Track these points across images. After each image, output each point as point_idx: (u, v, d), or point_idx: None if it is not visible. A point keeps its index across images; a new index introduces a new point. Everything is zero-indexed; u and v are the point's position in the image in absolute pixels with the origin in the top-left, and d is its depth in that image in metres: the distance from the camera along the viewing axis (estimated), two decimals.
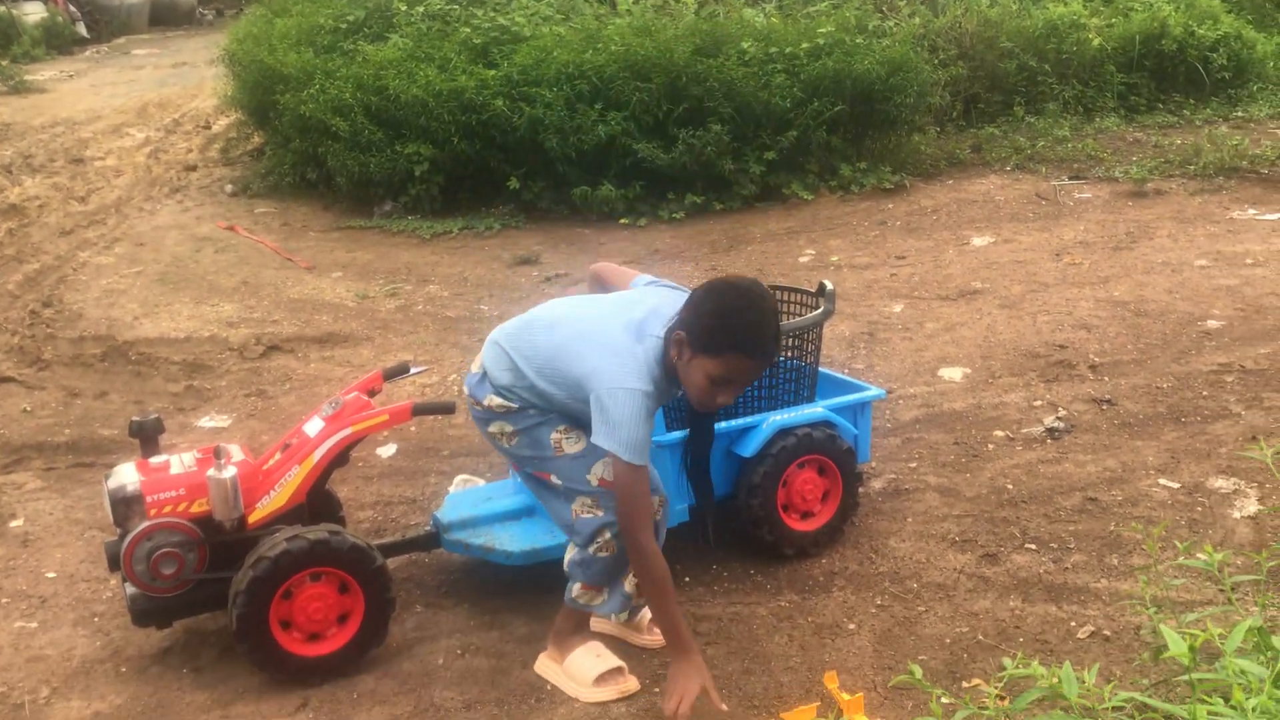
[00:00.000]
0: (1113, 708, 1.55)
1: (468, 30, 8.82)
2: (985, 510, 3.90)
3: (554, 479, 2.94)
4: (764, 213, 8.06)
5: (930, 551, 3.65)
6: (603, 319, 2.86)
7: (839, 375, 4.03)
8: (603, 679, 2.97)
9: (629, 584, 3.01)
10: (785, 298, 3.93)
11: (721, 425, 3.56)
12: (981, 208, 7.74)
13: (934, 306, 5.92)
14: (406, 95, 8.22)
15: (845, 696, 2.80)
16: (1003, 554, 3.61)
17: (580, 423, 2.87)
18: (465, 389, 3.05)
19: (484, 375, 2.97)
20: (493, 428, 2.98)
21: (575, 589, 3.01)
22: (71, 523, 4.03)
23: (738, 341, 2.63)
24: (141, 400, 5.19)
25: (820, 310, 3.71)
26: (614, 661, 3.02)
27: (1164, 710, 1.55)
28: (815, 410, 3.63)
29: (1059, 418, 4.56)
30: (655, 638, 3.18)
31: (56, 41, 19.22)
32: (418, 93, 8.18)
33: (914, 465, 4.27)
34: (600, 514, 2.90)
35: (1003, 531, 3.74)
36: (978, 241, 7.02)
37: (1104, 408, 4.64)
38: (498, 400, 2.92)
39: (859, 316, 5.82)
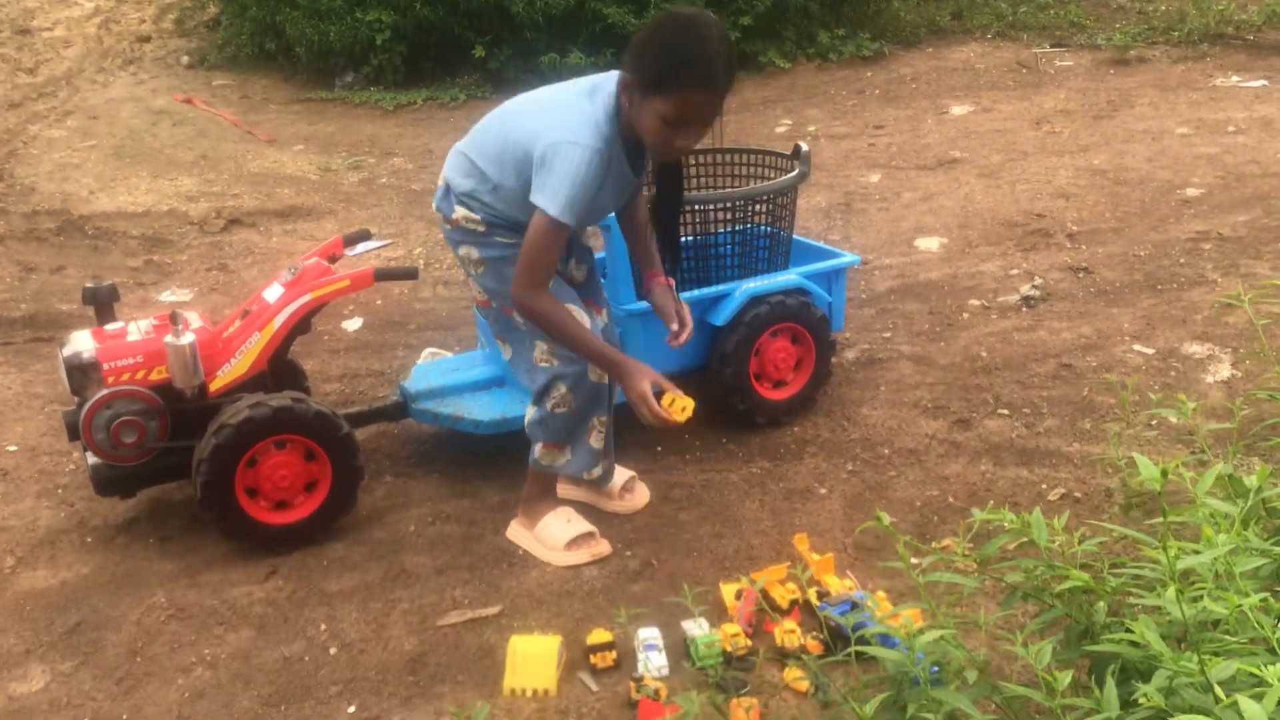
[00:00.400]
0: (1082, 550, 1.53)
1: None
2: (958, 378, 3.87)
3: (516, 317, 2.81)
4: (739, 81, 7.85)
5: (902, 418, 3.63)
6: (554, 89, 2.73)
7: (813, 243, 3.95)
8: (574, 543, 2.95)
9: (594, 439, 2.97)
10: (759, 160, 3.82)
11: (694, 293, 3.50)
12: (961, 76, 7.58)
13: (911, 176, 5.82)
14: None
15: (815, 557, 2.80)
16: (975, 420, 3.59)
17: None
18: (434, 207, 2.91)
19: (448, 187, 2.83)
20: (462, 250, 2.85)
21: (538, 450, 2.97)
22: (30, 396, 3.95)
23: (687, 75, 2.42)
24: (99, 275, 5.06)
25: (795, 173, 3.61)
26: (585, 526, 3.00)
27: (1136, 538, 1.53)
28: (789, 277, 3.56)
29: (1035, 286, 4.52)
30: (625, 503, 3.18)
31: None
32: None
33: (888, 335, 4.23)
34: (555, 363, 2.83)
35: (975, 398, 3.73)
36: (957, 110, 6.88)
37: (1080, 276, 4.60)
38: (463, 212, 2.78)
39: (835, 187, 5.72)
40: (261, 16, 8.69)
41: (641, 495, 3.23)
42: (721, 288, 3.51)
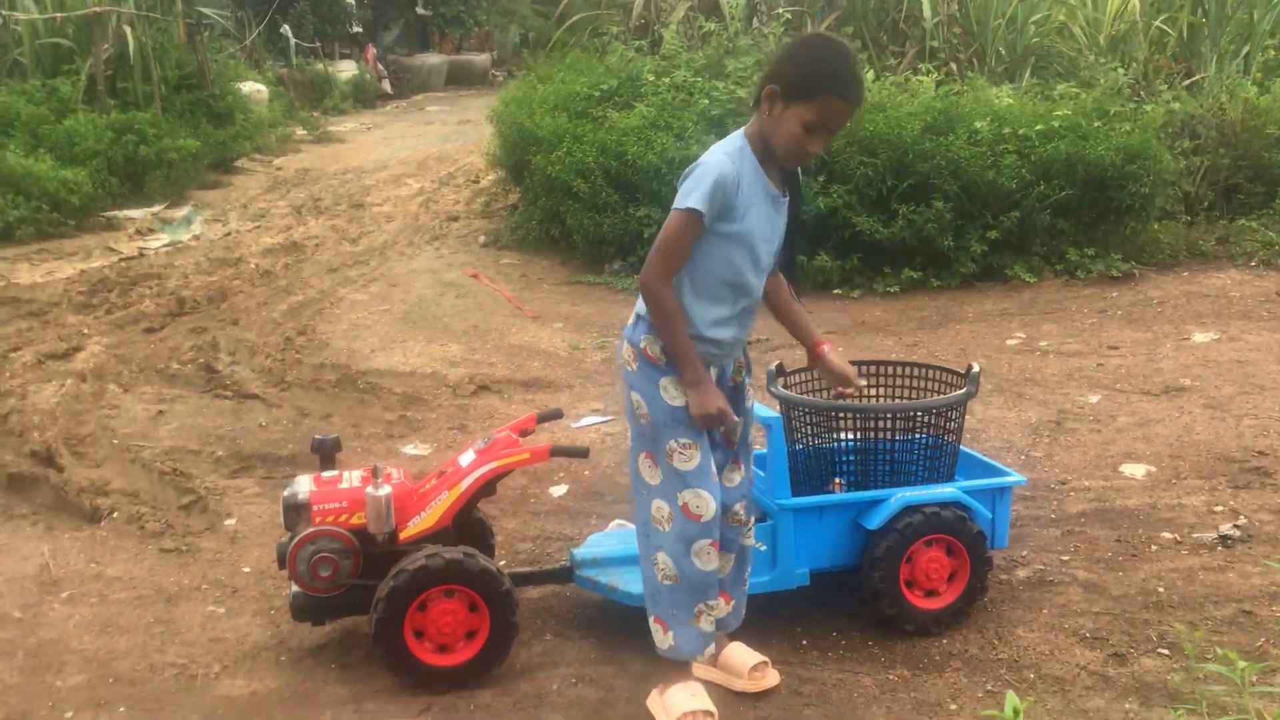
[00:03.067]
0: None
1: (706, 101, 9.22)
2: (1127, 610, 3.79)
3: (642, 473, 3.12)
4: (982, 292, 7.98)
5: (1056, 644, 3.60)
6: None
7: (984, 458, 4.03)
8: (687, 717, 3.10)
9: (704, 622, 3.14)
10: (932, 376, 3.98)
11: (849, 496, 3.69)
12: (1213, 302, 7.36)
13: (1133, 400, 5.72)
14: (643, 161, 8.69)
15: None
16: (1132, 655, 3.51)
17: None
18: (624, 338, 3.18)
19: (637, 318, 3.13)
20: (634, 396, 3.11)
21: (651, 625, 3.18)
22: (275, 526, 4.56)
23: (829, 84, 2.82)
24: (359, 424, 5.77)
25: (963, 391, 3.75)
26: (706, 704, 3.14)
27: None
28: (946, 490, 3.67)
29: (1237, 525, 4.34)
30: (752, 683, 3.32)
31: (362, 96, 21.25)
32: (653, 159, 8.62)
33: (1066, 558, 4.19)
34: (666, 528, 3.08)
35: (1139, 633, 3.63)
36: (1199, 338, 6.69)
37: None
38: (648, 339, 3.05)
39: (1050, 404, 5.71)
40: (549, 206, 9.64)
41: (771, 678, 3.37)
42: (878, 492, 3.66)
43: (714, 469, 3.13)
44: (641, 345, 3.10)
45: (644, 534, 3.18)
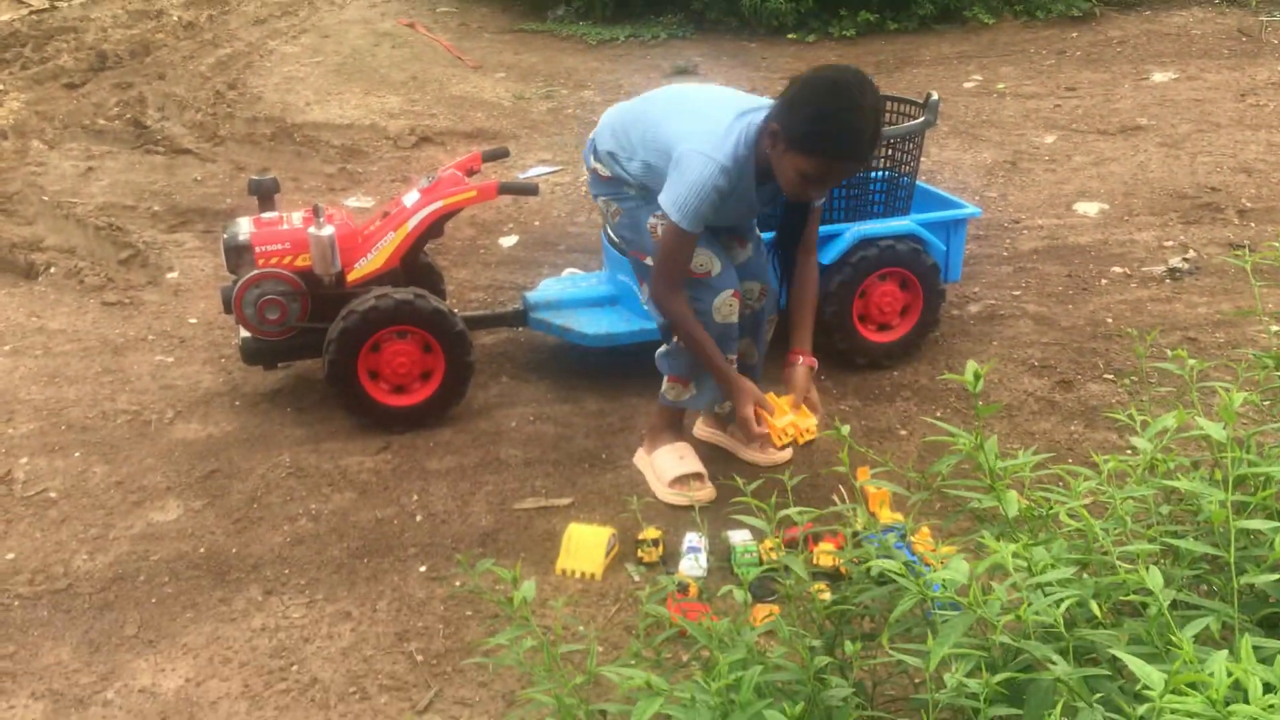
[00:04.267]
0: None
1: None
2: (1075, 340, 3.84)
3: (648, 260, 2.96)
4: (939, 35, 7.75)
5: (1006, 374, 3.65)
6: (714, 95, 2.90)
7: (940, 192, 3.97)
8: (679, 481, 3.05)
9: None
10: (889, 106, 3.87)
11: None
12: (1173, 41, 7.21)
13: (1088, 140, 5.66)
14: None
15: (873, 488, 2.90)
16: (1079, 382, 3.58)
17: None
18: (584, 157, 3.13)
19: (594, 144, 3.03)
20: (600, 200, 3.06)
21: (665, 384, 3.09)
22: (219, 278, 4.45)
23: (832, 145, 2.55)
24: (298, 178, 5.58)
25: (920, 120, 3.65)
26: (695, 466, 3.08)
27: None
28: (901, 223, 3.63)
29: (1186, 259, 4.38)
30: (761, 454, 3.23)
31: None
32: None
33: (1018, 293, 4.21)
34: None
35: (1086, 361, 3.70)
36: (1158, 77, 6.58)
37: (1238, 253, 4.41)
38: (601, 166, 2.99)
39: (1006, 145, 5.64)
40: None
41: (784, 452, 3.22)
42: (832, 227, 3.61)
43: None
44: (593, 165, 3.02)
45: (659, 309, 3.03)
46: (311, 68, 7.50)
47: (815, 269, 3.05)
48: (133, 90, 6.85)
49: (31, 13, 8.86)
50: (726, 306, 2.92)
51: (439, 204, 3.42)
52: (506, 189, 3.45)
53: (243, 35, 8.25)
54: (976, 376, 1.49)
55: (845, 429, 1.79)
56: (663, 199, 2.73)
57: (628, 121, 2.93)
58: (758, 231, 3.16)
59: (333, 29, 8.52)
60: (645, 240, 2.95)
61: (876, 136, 2.60)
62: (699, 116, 2.78)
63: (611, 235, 3.12)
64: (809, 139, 2.56)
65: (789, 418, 2.84)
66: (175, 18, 8.73)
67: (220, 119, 6.37)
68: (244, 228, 3.37)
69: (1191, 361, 2.00)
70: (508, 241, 4.88)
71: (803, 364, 2.96)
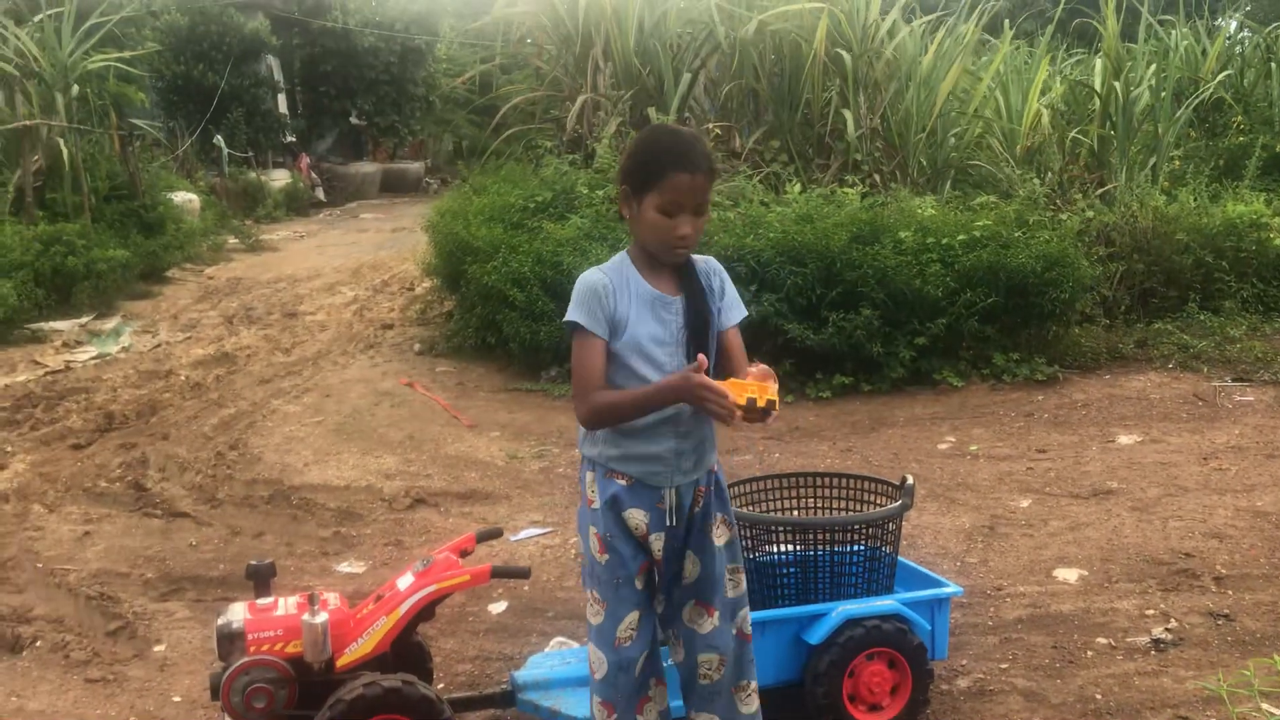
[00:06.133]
0: None
1: None
2: (1067, 719, 3.82)
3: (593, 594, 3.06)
4: (912, 396, 8.13)
5: None
6: None
7: (920, 568, 4.08)
8: None
9: None
10: (868, 487, 4.05)
11: (791, 610, 3.70)
12: (1135, 405, 7.58)
13: (1063, 504, 5.84)
14: (579, 271, 8.77)
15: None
16: None
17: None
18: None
19: (581, 456, 3.14)
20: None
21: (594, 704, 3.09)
22: (206, 652, 4.44)
23: (666, 161, 2.82)
24: (292, 542, 5.67)
25: (898, 504, 3.82)
26: None
27: None
28: (886, 603, 3.71)
29: (1168, 628, 4.43)
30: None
31: (296, 204, 21.29)
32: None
33: (1005, 666, 4.22)
34: (594, 680, 3.08)
35: None
36: (1124, 440, 6.88)
37: (1220, 623, 4.47)
38: (590, 477, 3.07)
39: (983, 509, 5.80)
40: (486, 314, 9.69)
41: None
42: (818, 606, 3.68)
43: (626, 629, 3.02)
44: (584, 487, 3.12)
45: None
46: (312, 427, 7.78)
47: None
48: (136, 451, 7.08)
49: (47, 373, 9.27)
50: (598, 710, 3.06)
51: (432, 588, 3.50)
52: (499, 573, 3.55)
53: (247, 395, 8.61)
54: None
55: None
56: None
57: None
58: (730, 599, 3.12)
59: (335, 388, 8.89)
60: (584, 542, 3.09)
61: (704, 148, 2.88)
62: None
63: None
64: (641, 168, 2.86)
65: (747, 383, 2.76)
66: (184, 377, 9.14)
67: (219, 481, 6.54)
68: (238, 614, 3.42)
69: None
70: (497, 608, 4.92)
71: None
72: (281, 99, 23.85)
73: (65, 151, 12.67)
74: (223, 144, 20.83)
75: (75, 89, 13.59)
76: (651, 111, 11.86)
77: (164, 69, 20.74)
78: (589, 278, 2.94)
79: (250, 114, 22.14)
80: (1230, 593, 4.74)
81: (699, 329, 2.99)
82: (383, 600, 3.54)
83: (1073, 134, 11.94)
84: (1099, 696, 3.97)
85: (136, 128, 15.63)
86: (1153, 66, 12.63)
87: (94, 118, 14.24)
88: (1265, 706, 3.83)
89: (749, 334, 8.16)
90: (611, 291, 2.90)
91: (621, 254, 3.02)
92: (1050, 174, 11.24)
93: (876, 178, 10.99)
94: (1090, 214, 9.94)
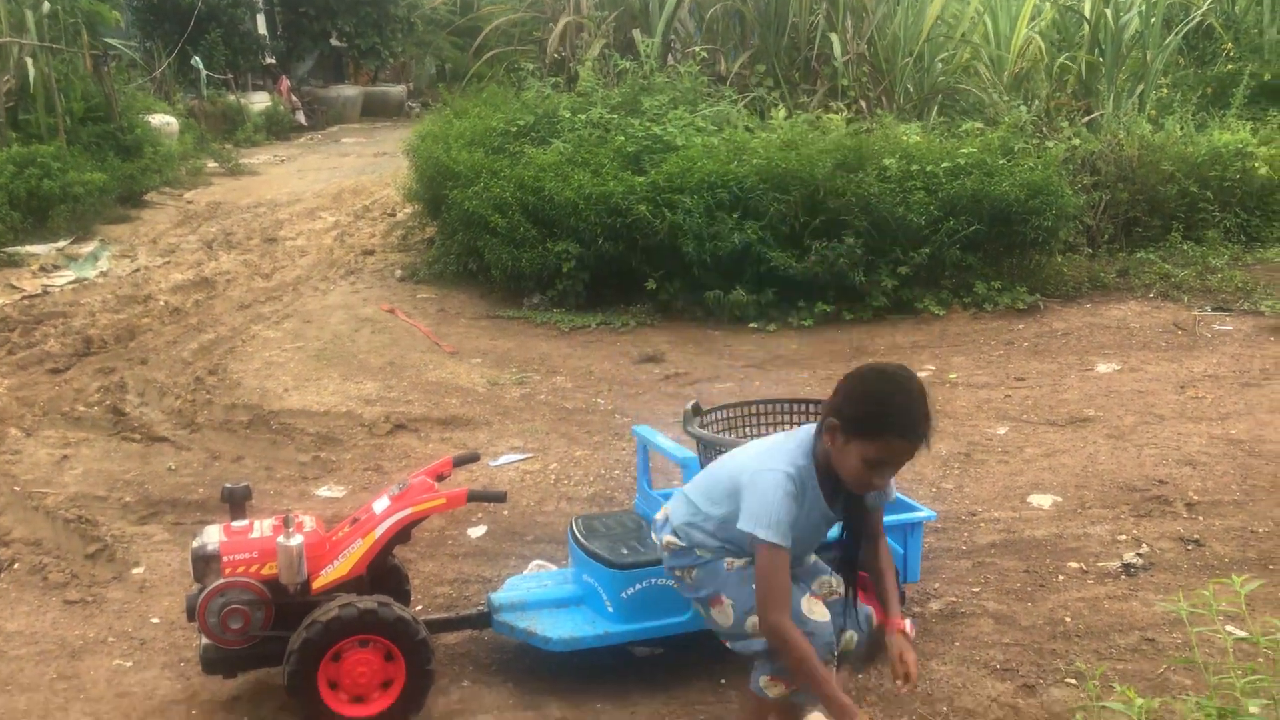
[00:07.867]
0: None
1: (622, 138, 9.30)
2: (1036, 641, 3.88)
3: (725, 599, 2.99)
4: (893, 325, 8.13)
5: (969, 677, 3.67)
6: (768, 438, 3.10)
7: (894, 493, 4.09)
8: None
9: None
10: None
11: None
12: (1114, 334, 7.60)
13: (1039, 431, 5.87)
14: (560, 197, 8.71)
15: None
16: (1041, 686, 3.60)
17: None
18: (652, 532, 3.25)
19: (666, 519, 3.14)
20: (676, 573, 3.11)
21: (763, 680, 3.01)
22: (184, 574, 4.45)
23: (891, 424, 2.72)
24: (271, 466, 5.67)
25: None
26: None
27: None
28: None
29: (1139, 554, 4.48)
30: None
31: (276, 128, 20.91)
32: (570, 195, 8.65)
33: (977, 590, 4.28)
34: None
35: (1047, 664, 3.73)
36: (1102, 368, 6.91)
37: (1189, 548, 4.53)
38: (669, 539, 3.07)
39: (960, 436, 5.84)
40: (467, 240, 9.61)
41: None
42: None
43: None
44: (664, 540, 3.11)
45: (743, 639, 3.05)
46: (292, 353, 7.74)
47: (885, 541, 3.15)
48: (114, 375, 7.04)
49: (23, 298, 9.18)
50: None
51: (407, 511, 3.51)
52: (475, 497, 3.56)
53: (227, 320, 8.55)
54: None
55: None
56: (743, 523, 2.81)
57: (698, 489, 3.08)
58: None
59: (315, 314, 8.84)
60: (722, 578, 3.00)
61: (928, 416, 2.76)
62: (756, 448, 3.02)
63: (687, 595, 3.14)
64: (868, 420, 2.73)
65: None
66: (162, 302, 9.05)
67: (199, 406, 6.52)
68: (213, 537, 3.43)
69: (1140, 702, 2.06)
70: (476, 532, 4.94)
71: (899, 632, 3.01)
72: (260, 19, 23.34)
73: (34, 70, 12.40)
74: (201, 65, 20.41)
75: (46, 6, 13.25)
76: (636, 34, 11.69)
77: None
78: (781, 484, 2.81)
79: (229, 35, 21.65)
80: (1201, 518, 4.80)
81: (854, 531, 3.06)
82: (358, 523, 3.55)
83: (1060, 60, 11.81)
84: (1068, 619, 4.03)
85: (111, 47, 15.31)
86: None
87: (65, 36, 13.92)
88: (1228, 628, 3.89)
89: (733, 262, 8.04)
90: (799, 503, 2.85)
91: (808, 454, 2.89)
92: (1037, 101, 11.15)
93: (863, 103, 10.89)
94: (1076, 142, 9.88)
